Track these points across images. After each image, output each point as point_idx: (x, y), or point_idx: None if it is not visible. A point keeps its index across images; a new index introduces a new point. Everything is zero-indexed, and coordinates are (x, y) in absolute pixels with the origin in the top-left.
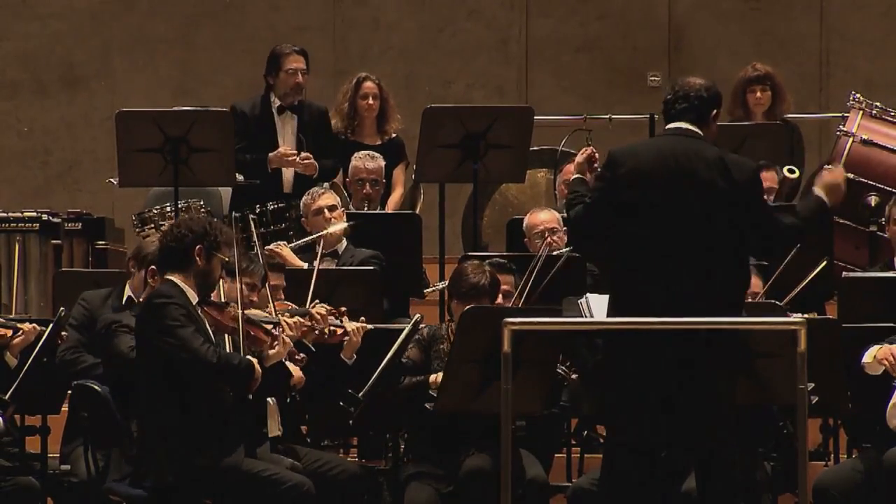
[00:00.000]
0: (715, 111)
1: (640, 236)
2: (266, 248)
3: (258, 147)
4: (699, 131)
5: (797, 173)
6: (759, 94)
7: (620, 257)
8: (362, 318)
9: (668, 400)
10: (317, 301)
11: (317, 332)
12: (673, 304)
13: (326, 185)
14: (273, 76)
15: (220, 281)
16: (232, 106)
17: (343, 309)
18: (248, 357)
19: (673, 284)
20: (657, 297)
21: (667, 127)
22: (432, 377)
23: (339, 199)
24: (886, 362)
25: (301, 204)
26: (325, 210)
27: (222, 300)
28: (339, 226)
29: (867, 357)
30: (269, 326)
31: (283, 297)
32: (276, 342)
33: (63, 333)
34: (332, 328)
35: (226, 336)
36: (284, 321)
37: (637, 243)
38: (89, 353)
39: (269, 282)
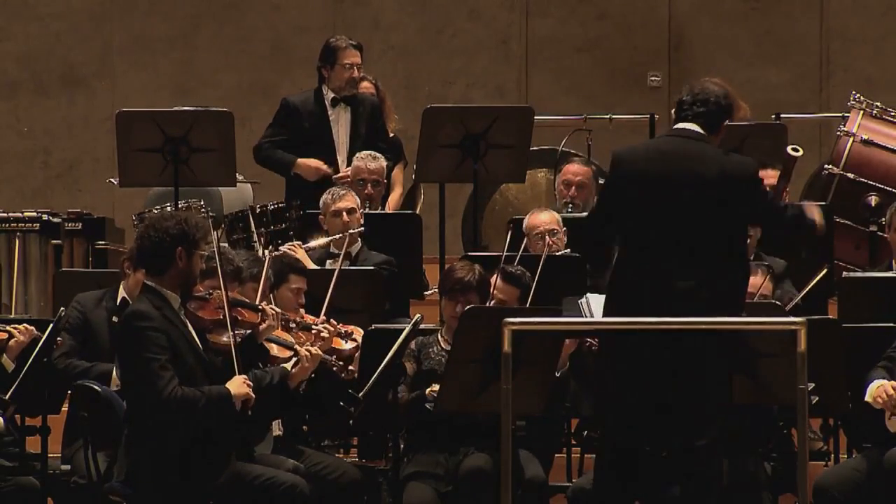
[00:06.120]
0: (727, 121)
1: (641, 236)
2: (281, 247)
3: (311, 139)
4: (705, 134)
5: (801, 151)
6: None
7: (620, 256)
8: (358, 330)
9: (663, 398)
10: (324, 318)
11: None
12: (671, 302)
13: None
14: (328, 68)
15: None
16: (284, 99)
17: (350, 330)
18: (224, 387)
19: (671, 283)
20: (654, 296)
21: (674, 126)
22: (428, 389)
23: (358, 200)
24: (880, 400)
25: (321, 202)
26: (344, 213)
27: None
28: (355, 231)
29: (868, 395)
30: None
31: (303, 300)
32: (266, 318)
33: (58, 339)
34: (340, 362)
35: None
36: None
37: (637, 243)
38: (83, 355)
39: (291, 284)
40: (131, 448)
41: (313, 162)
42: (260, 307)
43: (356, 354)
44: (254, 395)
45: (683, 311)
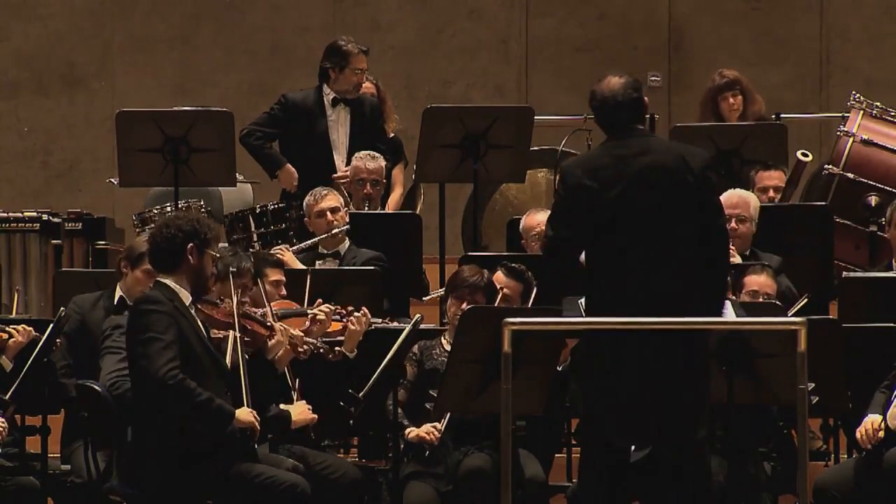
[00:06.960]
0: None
1: (615, 247)
2: (269, 251)
3: (310, 138)
4: (646, 128)
5: (811, 157)
6: (731, 99)
7: (597, 263)
8: (364, 308)
9: (644, 398)
10: (320, 301)
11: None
12: (651, 301)
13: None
14: (337, 71)
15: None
16: (283, 95)
17: (350, 308)
18: (232, 408)
19: (650, 282)
20: (635, 296)
21: (619, 130)
22: (408, 431)
23: (342, 199)
24: (858, 435)
25: (304, 204)
26: (328, 212)
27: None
28: (340, 229)
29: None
30: (265, 328)
31: (284, 292)
32: (274, 333)
33: (57, 340)
34: (325, 344)
35: (228, 337)
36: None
37: (612, 254)
38: (83, 355)
39: (269, 277)
40: (133, 447)
41: (294, 174)
42: (269, 323)
43: (345, 332)
44: (259, 429)
45: (671, 314)
